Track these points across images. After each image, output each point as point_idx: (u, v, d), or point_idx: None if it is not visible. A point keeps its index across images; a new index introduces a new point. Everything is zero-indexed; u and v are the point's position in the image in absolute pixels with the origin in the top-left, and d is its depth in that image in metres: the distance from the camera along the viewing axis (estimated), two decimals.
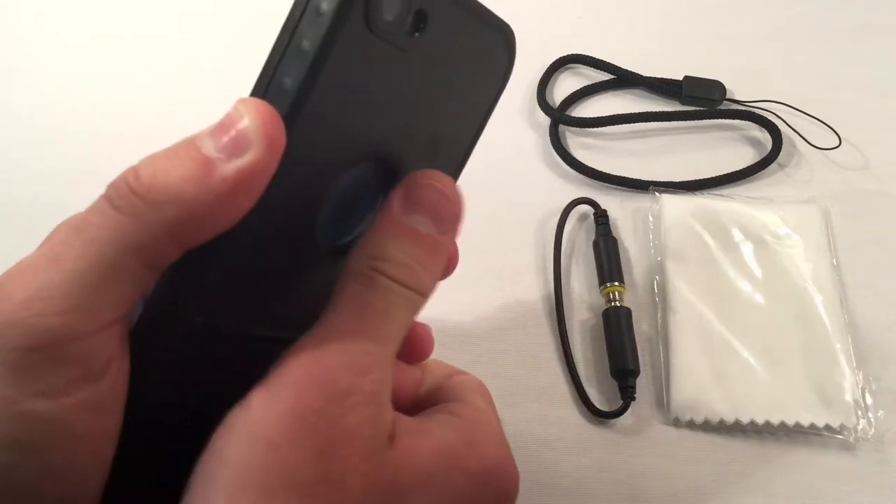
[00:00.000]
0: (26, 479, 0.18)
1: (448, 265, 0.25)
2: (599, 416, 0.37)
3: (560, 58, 0.49)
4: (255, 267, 0.21)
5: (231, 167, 0.18)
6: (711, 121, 0.47)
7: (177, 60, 0.49)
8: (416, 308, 0.23)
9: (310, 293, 0.23)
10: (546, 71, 0.48)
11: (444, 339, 0.39)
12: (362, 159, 0.23)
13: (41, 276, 0.17)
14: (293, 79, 0.19)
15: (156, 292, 0.20)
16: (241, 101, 0.19)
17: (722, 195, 0.44)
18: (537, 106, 0.47)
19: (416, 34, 0.23)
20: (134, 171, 0.18)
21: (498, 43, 0.31)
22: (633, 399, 0.37)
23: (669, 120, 0.46)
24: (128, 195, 0.18)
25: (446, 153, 0.29)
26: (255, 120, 0.18)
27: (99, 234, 0.18)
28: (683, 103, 0.48)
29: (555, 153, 0.45)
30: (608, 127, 0.46)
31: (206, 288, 0.20)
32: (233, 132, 0.18)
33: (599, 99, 0.48)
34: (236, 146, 0.18)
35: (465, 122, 0.30)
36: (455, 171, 0.30)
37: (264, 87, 0.19)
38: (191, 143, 0.18)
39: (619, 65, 0.48)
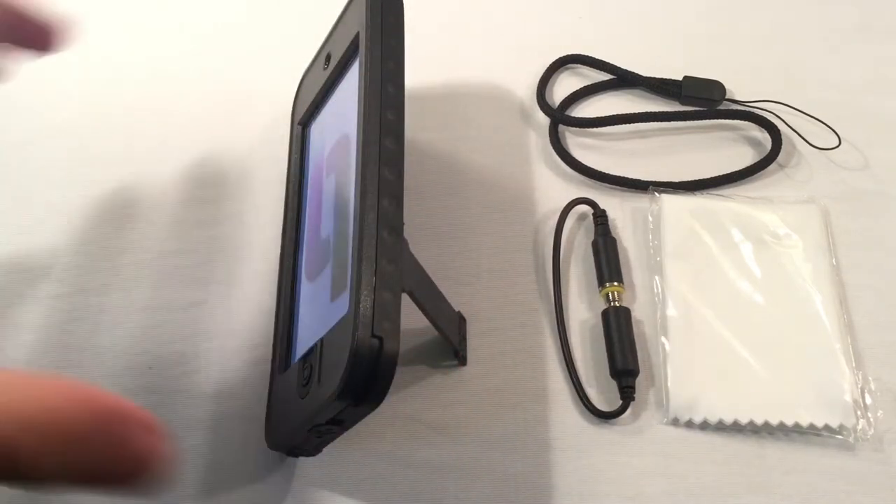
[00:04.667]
0: None
1: None
2: (599, 416, 0.37)
3: (560, 58, 0.49)
4: None
5: None
6: (711, 121, 0.47)
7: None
8: None
9: None
10: (546, 71, 0.48)
11: (442, 339, 0.39)
12: None
13: None
14: None
15: None
16: None
17: (721, 195, 0.44)
18: (537, 106, 0.47)
19: None
20: None
21: None
22: (633, 399, 0.37)
23: (669, 120, 0.46)
24: None
25: None
26: None
27: None
28: (683, 103, 0.48)
29: (554, 153, 0.45)
30: (608, 127, 0.46)
31: None
32: None
33: (599, 99, 0.48)
34: None
35: None
36: None
37: None
38: None
39: (618, 65, 0.48)
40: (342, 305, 0.30)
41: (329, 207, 0.36)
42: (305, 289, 0.37)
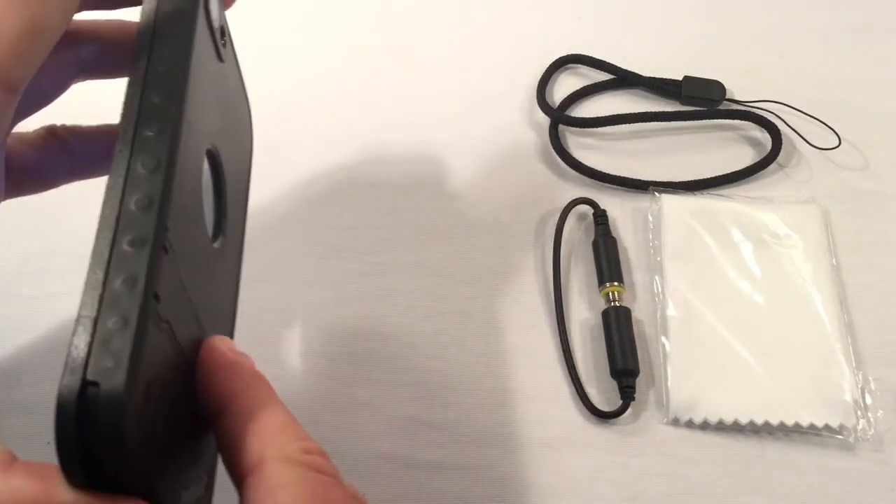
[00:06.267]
0: None
1: None
2: (599, 416, 0.37)
3: (560, 58, 0.49)
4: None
5: None
6: (711, 121, 0.47)
7: None
8: None
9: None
10: (546, 71, 0.48)
11: (442, 340, 0.40)
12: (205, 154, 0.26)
13: None
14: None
15: None
16: None
17: (721, 195, 0.44)
18: (537, 106, 0.47)
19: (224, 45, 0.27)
20: None
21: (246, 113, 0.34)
22: (633, 399, 0.38)
23: (669, 120, 0.46)
24: None
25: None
26: None
27: None
28: (683, 103, 0.48)
29: (554, 153, 0.45)
30: (608, 127, 0.46)
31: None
32: None
33: (599, 99, 0.48)
34: None
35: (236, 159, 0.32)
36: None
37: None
38: None
39: (619, 65, 0.48)
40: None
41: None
42: None
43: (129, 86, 0.23)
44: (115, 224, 0.21)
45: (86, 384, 0.19)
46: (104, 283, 0.20)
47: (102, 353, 0.19)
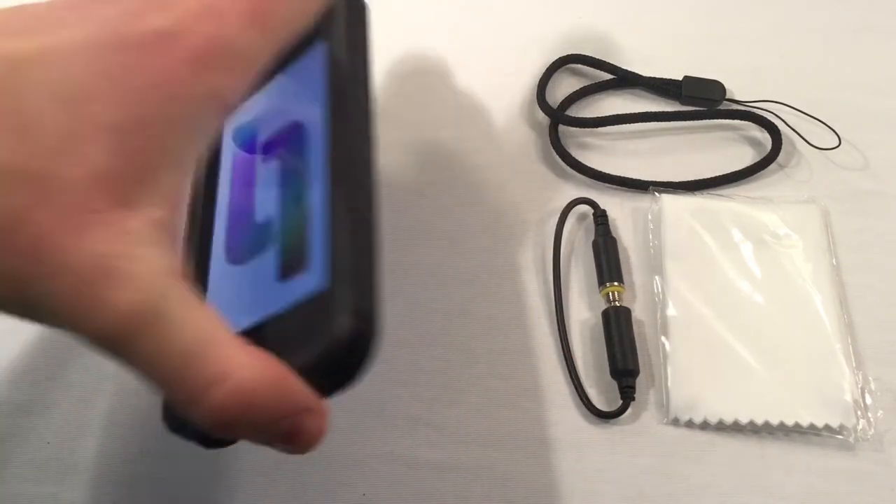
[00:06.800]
0: None
1: None
2: (599, 416, 0.37)
3: (560, 58, 0.49)
4: None
5: None
6: (711, 121, 0.47)
7: None
8: None
9: None
10: (546, 71, 0.48)
11: (442, 339, 0.40)
12: None
13: None
14: None
15: None
16: None
17: (722, 195, 0.44)
18: (537, 106, 0.47)
19: None
20: None
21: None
22: (633, 399, 0.38)
23: (669, 120, 0.46)
24: None
25: None
26: None
27: None
28: (683, 103, 0.48)
29: (554, 153, 0.45)
30: (608, 127, 0.46)
31: None
32: None
33: (599, 99, 0.48)
34: None
35: None
36: None
37: None
38: None
39: (619, 65, 0.48)
40: (304, 284, 0.28)
41: (269, 193, 0.34)
42: (223, 271, 0.35)
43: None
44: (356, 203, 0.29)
45: (355, 314, 0.25)
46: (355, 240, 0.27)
47: (365, 294, 0.25)
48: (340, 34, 0.34)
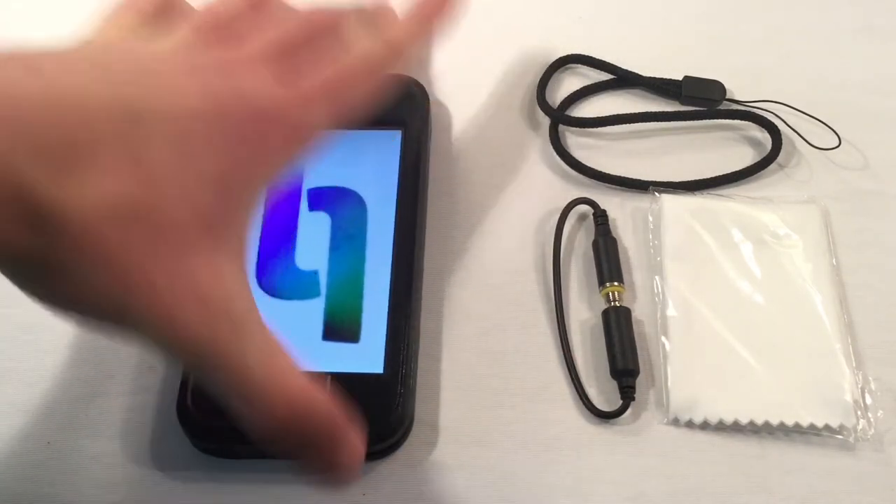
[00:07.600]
0: None
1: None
2: (599, 416, 0.37)
3: (560, 58, 0.49)
4: None
5: None
6: (711, 121, 0.47)
7: None
8: None
9: None
10: (546, 71, 0.48)
11: (443, 340, 0.40)
12: None
13: None
14: None
15: None
16: None
17: (722, 195, 0.44)
18: (537, 106, 0.47)
19: None
20: None
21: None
22: (633, 399, 0.38)
23: (669, 120, 0.46)
24: None
25: None
26: None
27: None
28: (683, 103, 0.48)
29: (554, 153, 0.45)
30: (608, 127, 0.46)
31: None
32: None
33: (599, 99, 0.48)
34: None
35: None
36: None
37: None
38: None
39: (619, 65, 0.48)
40: (354, 356, 0.35)
41: (316, 243, 0.38)
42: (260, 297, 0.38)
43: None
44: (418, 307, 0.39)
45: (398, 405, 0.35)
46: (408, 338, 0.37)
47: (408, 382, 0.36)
48: (414, 123, 0.40)
